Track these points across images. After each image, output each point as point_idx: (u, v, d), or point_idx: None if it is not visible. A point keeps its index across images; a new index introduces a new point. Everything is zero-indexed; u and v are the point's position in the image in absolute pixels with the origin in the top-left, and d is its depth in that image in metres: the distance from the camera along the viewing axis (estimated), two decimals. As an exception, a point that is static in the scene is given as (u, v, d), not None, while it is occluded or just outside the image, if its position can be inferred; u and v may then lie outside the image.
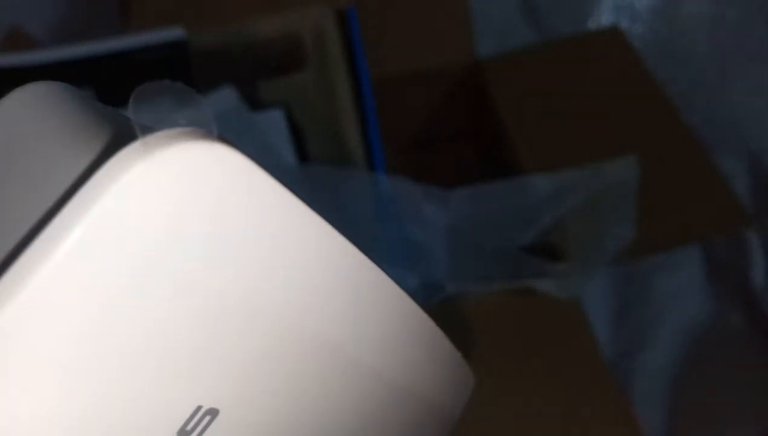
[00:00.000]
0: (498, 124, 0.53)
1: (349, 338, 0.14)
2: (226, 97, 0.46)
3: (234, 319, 0.12)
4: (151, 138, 0.11)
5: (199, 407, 0.11)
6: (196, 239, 0.11)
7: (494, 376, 0.42)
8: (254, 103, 0.47)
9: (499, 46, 0.58)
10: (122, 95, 0.50)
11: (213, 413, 0.12)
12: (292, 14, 0.48)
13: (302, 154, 0.47)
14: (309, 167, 0.45)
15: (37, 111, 0.13)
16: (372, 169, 0.46)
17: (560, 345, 0.44)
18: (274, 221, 0.12)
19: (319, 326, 0.13)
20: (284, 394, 0.13)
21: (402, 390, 0.15)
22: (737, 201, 0.48)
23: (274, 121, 0.46)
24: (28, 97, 0.13)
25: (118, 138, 0.11)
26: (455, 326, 0.44)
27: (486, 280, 0.44)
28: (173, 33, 0.47)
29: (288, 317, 0.12)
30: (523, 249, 0.45)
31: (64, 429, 0.11)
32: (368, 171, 0.45)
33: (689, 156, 0.50)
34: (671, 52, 0.61)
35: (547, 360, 0.43)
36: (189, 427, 0.11)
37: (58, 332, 0.10)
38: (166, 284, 0.11)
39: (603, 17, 0.62)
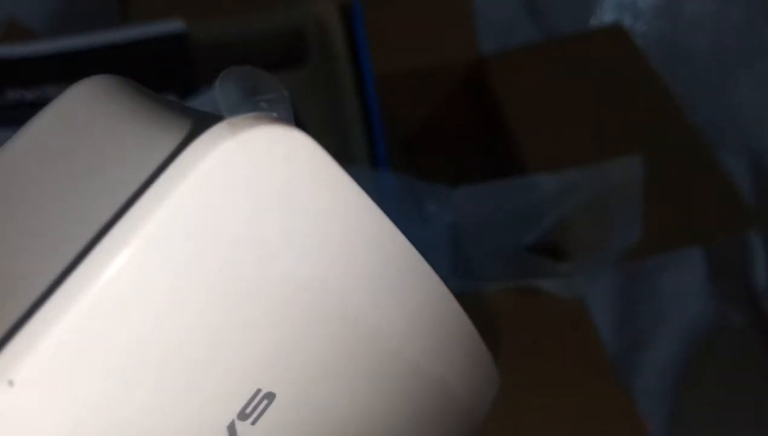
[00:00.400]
0: (501, 123, 0.53)
1: (398, 329, 0.14)
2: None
3: (297, 303, 0.12)
4: (237, 119, 0.11)
5: (258, 390, 0.12)
6: (276, 217, 0.11)
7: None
8: (256, 98, 0.47)
9: (502, 43, 0.58)
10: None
11: (270, 397, 0.12)
12: (296, 9, 0.48)
13: (304, 150, 0.46)
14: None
15: (108, 104, 0.13)
16: (375, 166, 0.46)
17: (563, 344, 0.43)
18: (343, 206, 0.12)
19: (374, 314, 0.13)
20: (335, 380, 0.13)
21: (437, 385, 0.16)
22: (740, 201, 0.48)
23: (276, 116, 0.46)
24: (93, 89, 0.13)
25: (199, 124, 0.12)
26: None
27: (489, 279, 0.44)
28: (174, 26, 0.47)
29: (346, 303, 0.13)
30: (526, 248, 0.44)
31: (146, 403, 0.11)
32: (371, 168, 0.45)
33: (693, 155, 0.50)
34: (674, 51, 0.61)
35: (551, 359, 0.43)
36: (248, 410, 0.12)
37: (149, 309, 0.10)
38: (250, 261, 0.11)
39: (606, 15, 0.62)
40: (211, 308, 0.11)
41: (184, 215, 0.11)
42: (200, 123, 0.12)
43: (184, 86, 0.46)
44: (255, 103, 0.12)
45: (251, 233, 0.11)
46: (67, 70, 0.47)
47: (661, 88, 0.53)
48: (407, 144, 0.59)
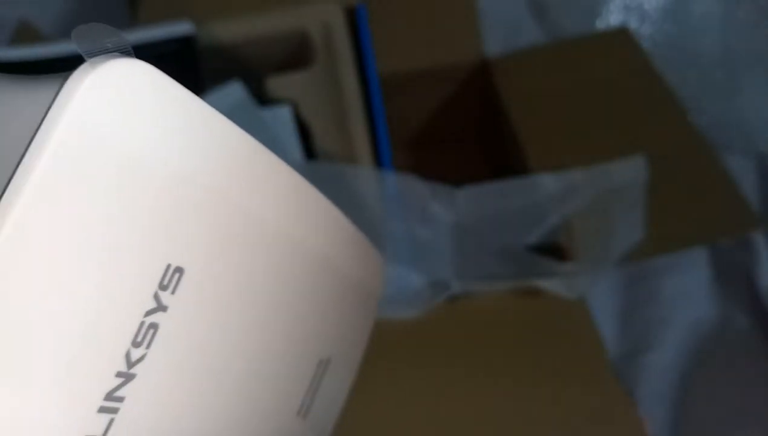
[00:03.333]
0: (505, 124, 0.53)
1: (274, 214, 0.18)
2: (234, 92, 0.46)
3: (185, 196, 0.16)
4: (96, 59, 0.15)
5: (168, 265, 0.15)
6: (143, 130, 0.15)
7: (498, 375, 0.42)
8: (262, 98, 0.47)
9: (507, 45, 0.58)
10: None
11: (180, 270, 0.15)
12: (301, 10, 0.48)
13: (309, 150, 0.47)
14: (316, 164, 0.45)
15: None
16: (378, 167, 0.46)
17: (566, 345, 0.43)
18: (186, 117, 0.16)
19: (250, 200, 0.17)
20: (233, 257, 0.17)
21: (322, 261, 0.19)
22: (745, 202, 0.48)
23: (281, 117, 0.46)
24: None
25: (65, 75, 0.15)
26: (460, 324, 0.44)
27: (492, 279, 0.44)
28: (181, 27, 0.47)
29: (222, 191, 0.17)
30: (529, 248, 0.45)
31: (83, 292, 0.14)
32: (375, 168, 0.45)
33: (697, 157, 0.50)
34: (680, 53, 0.61)
35: (553, 360, 0.43)
36: (165, 282, 0.15)
37: (63, 225, 0.14)
38: (141, 172, 0.15)
39: (612, 17, 0.62)
40: (118, 212, 0.15)
41: (77, 142, 0.14)
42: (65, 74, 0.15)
43: (190, 87, 0.47)
44: (103, 45, 0.16)
45: (134, 150, 0.15)
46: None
47: (666, 90, 0.53)
48: (411, 145, 0.59)
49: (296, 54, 0.49)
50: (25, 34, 0.53)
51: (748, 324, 0.50)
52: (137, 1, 0.51)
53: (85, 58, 0.15)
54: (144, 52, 0.52)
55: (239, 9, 0.49)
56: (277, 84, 0.48)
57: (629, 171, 0.45)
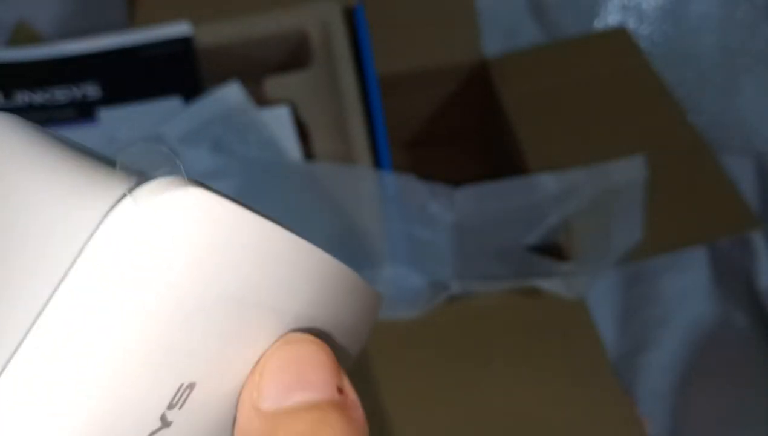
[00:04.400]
0: (504, 124, 0.53)
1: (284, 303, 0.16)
2: (232, 93, 0.46)
3: (205, 314, 0.14)
4: (140, 191, 0.13)
5: (181, 385, 0.14)
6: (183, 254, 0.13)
7: (498, 375, 0.42)
8: (260, 99, 0.47)
9: (506, 45, 0.58)
10: (128, 91, 0.50)
11: (192, 386, 0.14)
12: (300, 11, 0.48)
13: (308, 151, 0.47)
14: (314, 165, 0.45)
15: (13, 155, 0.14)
16: (377, 167, 0.46)
17: (565, 345, 0.43)
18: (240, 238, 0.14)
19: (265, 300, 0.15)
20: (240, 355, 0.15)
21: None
22: (744, 202, 0.48)
23: (280, 117, 0.46)
24: None
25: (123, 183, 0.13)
26: (460, 325, 0.44)
27: (491, 279, 0.44)
28: (179, 29, 0.47)
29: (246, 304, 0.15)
30: (528, 249, 0.45)
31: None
32: (374, 169, 0.45)
33: (696, 157, 0.50)
34: (678, 53, 0.61)
35: (552, 360, 0.43)
36: (174, 401, 0.14)
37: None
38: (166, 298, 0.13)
39: (610, 17, 0.62)
40: (138, 333, 0.13)
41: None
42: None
43: (189, 88, 0.47)
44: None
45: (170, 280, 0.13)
46: (74, 72, 0.47)
47: (664, 90, 0.53)
48: (410, 145, 0.59)
49: (295, 54, 0.49)
50: (22, 34, 0.53)
51: (747, 324, 0.50)
52: (135, 2, 0.51)
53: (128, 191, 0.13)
54: (142, 53, 0.52)
55: (237, 10, 0.49)
56: (275, 84, 0.48)
57: (628, 171, 0.45)
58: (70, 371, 0.13)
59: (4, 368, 0.12)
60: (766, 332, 0.49)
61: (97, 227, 0.13)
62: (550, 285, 0.43)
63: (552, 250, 0.45)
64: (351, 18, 0.49)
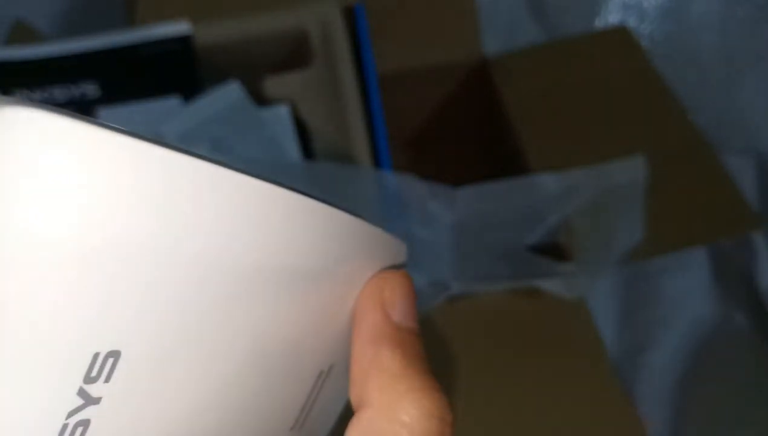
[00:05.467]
0: (504, 123, 0.53)
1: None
2: (232, 92, 0.46)
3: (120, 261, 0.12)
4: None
5: (96, 354, 0.12)
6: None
7: (499, 375, 0.42)
8: (260, 98, 0.47)
9: (506, 44, 0.58)
10: (127, 90, 0.49)
11: (115, 354, 0.12)
12: (300, 10, 0.48)
13: (307, 150, 0.47)
14: (314, 164, 0.45)
15: None
16: (377, 167, 0.46)
17: (565, 345, 0.43)
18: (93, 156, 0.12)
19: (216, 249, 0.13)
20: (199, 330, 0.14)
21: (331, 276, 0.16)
22: (745, 202, 0.48)
23: (279, 116, 0.46)
24: None
25: None
26: (460, 324, 0.44)
27: (492, 279, 0.44)
28: (179, 27, 0.47)
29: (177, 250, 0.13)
30: (529, 248, 0.44)
31: None
32: (374, 168, 0.45)
33: (697, 156, 0.50)
34: (679, 52, 0.61)
35: (552, 360, 0.43)
36: (93, 373, 0.12)
37: None
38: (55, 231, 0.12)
39: (611, 16, 0.62)
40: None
41: None
42: None
43: (188, 87, 0.47)
44: None
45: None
46: (73, 71, 0.47)
47: (665, 89, 0.53)
48: (410, 144, 0.59)
49: (294, 53, 0.49)
50: (20, 33, 0.52)
51: (748, 324, 0.50)
52: (134, 1, 0.51)
53: None
54: (141, 52, 0.52)
55: (237, 9, 0.48)
56: (275, 83, 0.48)
57: (628, 170, 0.45)
58: None
59: None
60: (766, 332, 0.49)
61: None
62: (551, 285, 0.43)
63: (552, 250, 0.45)
64: (351, 17, 0.48)
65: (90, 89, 0.47)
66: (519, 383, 0.42)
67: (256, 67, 0.48)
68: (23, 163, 0.11)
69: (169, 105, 0.46)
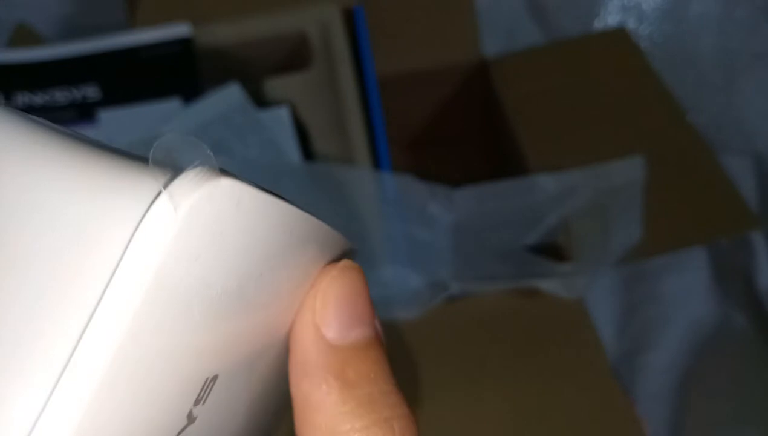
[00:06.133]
0: (504, 124, 0.53)
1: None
2: (232, 93, 0.46)
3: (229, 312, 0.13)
4: (175, 188, 0.12)
5: (206, 379, 0.13)
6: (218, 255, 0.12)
7: (498, 375, 0.42)
8: (260, 100, 0.47)
9: (506, 46, 0.58)
10: (128, 92, 0.50)
11: (215, 379, 0.13)
12: (299, 12, 0.48)
13: (307, 152, 0.47)
14: (314, 165, 0.45)
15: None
16: (377, 168, 0.46)
17: (564, 345, 0.43)
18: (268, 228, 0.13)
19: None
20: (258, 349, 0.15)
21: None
22: (744, 202, 0.48)
23: (279, 118, 0.46)
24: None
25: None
26: (460, 325, 0.44)
27: (491, 279, 0.44)
28: (179, 29, 0.47)
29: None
30: (528, 249, 0.45)
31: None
32: (373, 169, 0.45)
33: (696, 157, 0.50)
34: (678, 53, 0.61)
35: (551, 360, 0.43)
36: (200, 396, 0.13)
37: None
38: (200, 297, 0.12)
39: (610, 18, 0.62)
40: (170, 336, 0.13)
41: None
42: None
43: (188, 89, 0.47)
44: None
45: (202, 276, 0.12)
46: (74, 74, 0.47)
47: (664, 90, 0.53)
48: (409, 145, 0.59)
49: (294, 55, 0.49)
50: (22, 36, 0.53)
51: (747, 324, 0.50)
52: (135, 3, 0.51)
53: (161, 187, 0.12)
54: (142, 54, 0.52)
55: (237, 11, 0.49)
56: (275, 85, 0.48)
57: (627, 171, 0.45)
58: (122, 391, 0.12)
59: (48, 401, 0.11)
60: (766, 332, 0.49)
61: (135, 229, 0.11)
62: (550, 285, 0.43)
63: (552, 250, 0.45)
64: (351, 18, 0.49)
65: (91, 91, 0.47)
66: (518, 383, 0.42)
67: (256, 69, 0.49)
68: (211, 230, 0.12)
69: (170, 107, 0.46)
